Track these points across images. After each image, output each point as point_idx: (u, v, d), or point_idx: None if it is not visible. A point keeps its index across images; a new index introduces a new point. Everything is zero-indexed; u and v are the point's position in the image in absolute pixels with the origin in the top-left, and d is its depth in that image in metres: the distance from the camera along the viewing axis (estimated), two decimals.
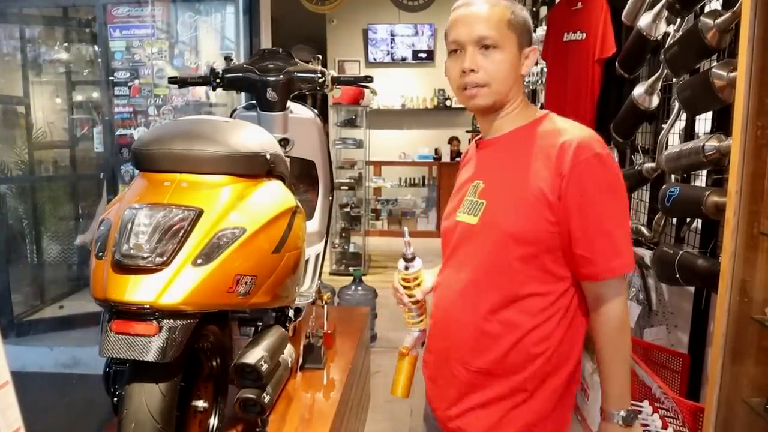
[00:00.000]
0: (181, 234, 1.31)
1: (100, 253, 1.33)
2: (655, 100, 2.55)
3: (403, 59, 8.25)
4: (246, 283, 1.42)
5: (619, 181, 1.22)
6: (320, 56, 2.33)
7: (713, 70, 1.91)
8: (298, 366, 2.27)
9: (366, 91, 5.98)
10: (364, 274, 5.59)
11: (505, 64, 1.24)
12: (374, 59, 8.26)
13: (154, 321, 1.27)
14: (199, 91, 3.99)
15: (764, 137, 1.59)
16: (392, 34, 8.19)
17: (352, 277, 4.37)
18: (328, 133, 6.13)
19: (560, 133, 1.22)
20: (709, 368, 1.70)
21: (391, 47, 8.24)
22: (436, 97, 8.29)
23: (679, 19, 2.36)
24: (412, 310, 1.44)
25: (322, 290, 3.82)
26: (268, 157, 1.59)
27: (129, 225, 1.30)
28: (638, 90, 2.57)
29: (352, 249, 6.22)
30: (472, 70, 1.24)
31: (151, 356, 1.26)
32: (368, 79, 2.31)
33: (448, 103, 8.23)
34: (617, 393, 1.24)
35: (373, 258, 6.62)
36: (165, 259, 1.27)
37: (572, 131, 1.22)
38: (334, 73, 2.25)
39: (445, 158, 7.97)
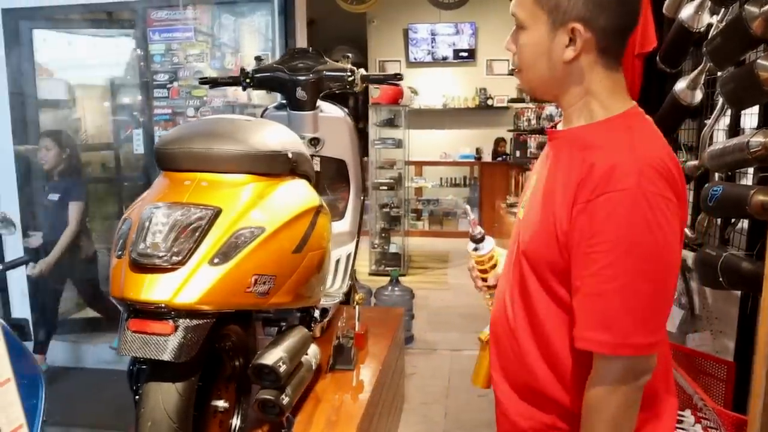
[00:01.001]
0: (198, 233, 1.31)
1: (120, 252, 1.34)
2: (698, 95, 2.44)
3: (444, 58, 8.19)
4: (264, 282, 1.40)
5: (653, 236, 0.93)
6: (350, 55, 2.31)
7: (758, 61, 1.81)
8: (328, 367, 2.25)
9: (405, 90, 5.95)
10: (403, 275, 5.56)
11: (527, 49, 1.04)
12: (415, 59, 8.22)
13: (170, 320, 1.27)
14: (241, 93, 4.03)
15: None
16: (433, 34, 8.14)
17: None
18: (366, 132, 6.11)
19: (605, 147, 0.97)
20: (753, 377, 1.61)
21: (432, 47, 8.19)
22: (478, 96, 8.20)
23: (723, 9, 2.24)
24: (492, 295, 1.30)
25: (358, 290, 3.82)
26: (290, 155, 1.58)
27: (146, 224, 1.30)
28: (680, 85, 2.46)
29: (392, 249, 6.20)
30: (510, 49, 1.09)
31: (166, 356, 1.26)
32: (398, 76, 2.28)
33: (489, 102, 8.13)
34: None
35: (414, 258, 6.58)
36: (181, 258, 1.27)
37: (619, 147, 0.96)
38: (363, 71, 2.23)
39: (487, 158, 7.87)
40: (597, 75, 1.03)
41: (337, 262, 2.38)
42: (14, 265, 2.52)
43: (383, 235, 6.13)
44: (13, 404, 0.79)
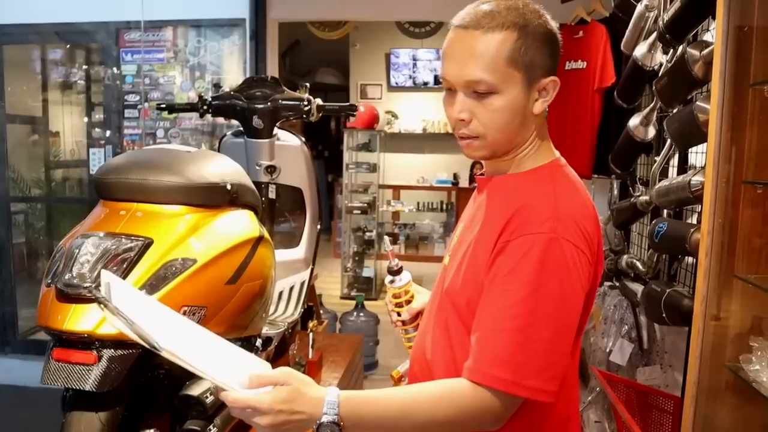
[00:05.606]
0: (126, 264, 1.31)
1: (49, 281, 1.34)
2: (651, 132, 2.49)
3: (425, 84, 8.26)
4: (194, 313, 1.41)
5: (561, 284, 0.95)
6: (307, 84, 2.34)
7: (697, 103, 1.86)
8: None
9: (381, 115, 6.00)
10: (374, 299, 5.55)
11: (503, 112, 1.01)
12: (396, 83, 8.29)
13: (94, 350, 1.27)
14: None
15: (739, 174, 1.53)
16: (414, 59, 8.21)
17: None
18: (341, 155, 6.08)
19: (530, 194, 1.01)
20: (682, 416, 1.63)
21: (413, 71, 8.27)
22: None
23: (671, 49, 2.30)
24: (408, 331, 1.29)
25: (322, 316, 3.81)
26: (229, 187, 1.59)
27: (75, 254, 1.30)
28: (633, 121, 2.51)
29: (365, 273, 6.19)
30: (463, 120, 1.03)
31: (89, 385, 1.25)
32: (352, 107, 2.31)
33: None
34: (361, 413, 0.94)
35: None
36: None
37: (542, 194, 1.01)
38: (319, 101, 2.25)
39: (464, 183, 7.91)
40: (544, 120, 1.09)
41: (291, 289, 2.38)
42: None
43: (356, 258, 6.13)
44: None
